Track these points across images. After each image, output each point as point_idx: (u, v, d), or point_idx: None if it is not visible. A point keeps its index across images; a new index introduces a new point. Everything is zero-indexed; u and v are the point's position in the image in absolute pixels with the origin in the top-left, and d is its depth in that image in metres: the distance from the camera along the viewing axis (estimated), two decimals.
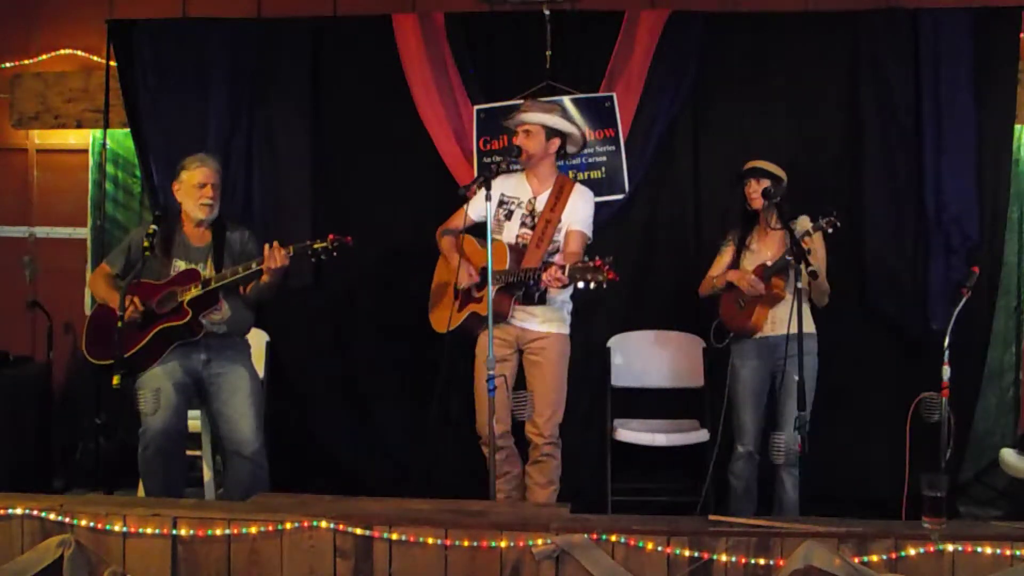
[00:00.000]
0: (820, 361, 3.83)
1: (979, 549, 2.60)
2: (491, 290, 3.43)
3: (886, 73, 4.36)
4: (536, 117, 3.80)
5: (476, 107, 4.50)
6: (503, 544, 2.70)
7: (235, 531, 2.79)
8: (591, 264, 3.23)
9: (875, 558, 2.62)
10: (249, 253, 3.77)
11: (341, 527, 2.76)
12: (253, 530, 2.79)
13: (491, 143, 4.49)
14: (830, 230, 3.57)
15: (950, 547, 2.61)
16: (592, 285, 3.22)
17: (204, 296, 3.62)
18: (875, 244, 4.37)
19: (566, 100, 4.45)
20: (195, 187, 3.72)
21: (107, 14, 4.73)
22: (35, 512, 2.85)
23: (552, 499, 3.79)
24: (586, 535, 2.68)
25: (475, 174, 4.39)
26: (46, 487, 4.56)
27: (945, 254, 4.30)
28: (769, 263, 3.79)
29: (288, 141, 4.63)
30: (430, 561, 2.73)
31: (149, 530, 2.81)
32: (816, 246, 3.79)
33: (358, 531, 2.75)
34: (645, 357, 4.51)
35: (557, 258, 3.69)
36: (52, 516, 2.84)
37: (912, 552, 2.62)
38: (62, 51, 4.93)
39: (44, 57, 4.94)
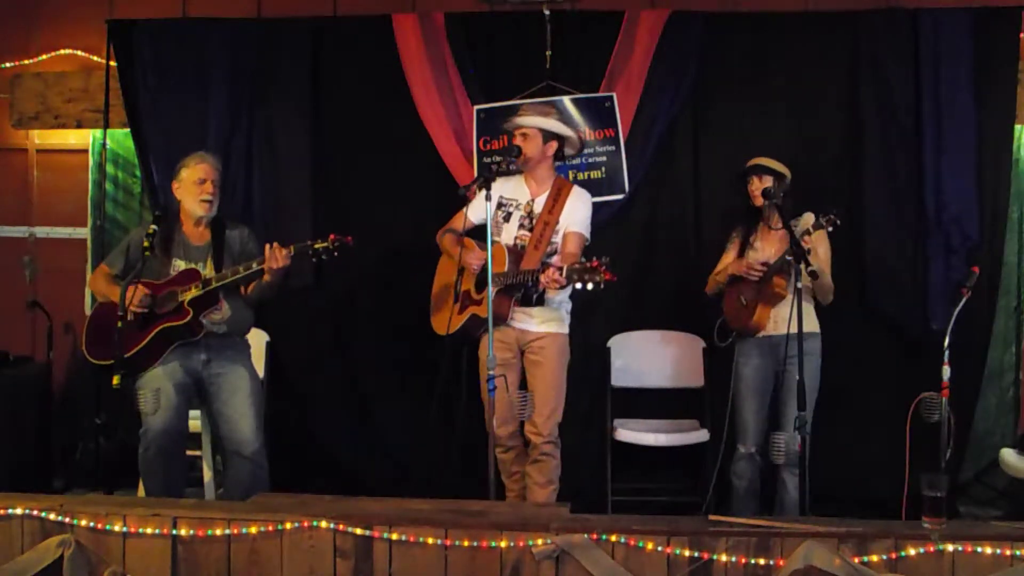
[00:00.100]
0: (822, 361, 3.83)
1: (979, 549, 2.60)
2: (491, 291, 3.44)
3: (886, 73, 4.36)
4: (533, 121, 3.82)
5: (476, 107, 4.50)
6: (503, 544, 2.70)
7: (235, 531, 2.79)
8: (588, 265, 3.23)
9: (875, 558, 2.62)
10: (249, 252, 3.77)
11: (341, 527, 2.76)
12: (253, 530, 2.79)
13: (491, 143, 4.49)
14: (830, 228, 3.57)
15: (950, 547, 2.61)
16: (590, 286, 3.23)
17: (204, 296, 3.62)
18: (875, 244, 4.37)
19: (566, 100, 4.45)
20: (195, 183, 3.72)
21: (107, 14, 4.73)
22: (35, 512, 2.85)
23: (552, 499, 3.79)
24: (586, 535, 2.68)
25: (475, 174, 4.39)
26: (46, 487, 4.56)
27: (945, 254, 4.30)
28: (770, 262, 3.80)
29: (288, 141, 4.63)
30: (430, 561, 2.73)
31: (149, 530, 2.81)
32: (819, 244, 3.79)
33: (358, 531, 2.75)
34: (645, 357, 4.51)
35: (555, 259, 3.70)
36: (52, 516, 2.84)
37: (912, 552, 2.62)
38: (62, 51, 4.93)
39: (44, 57, 4.94)
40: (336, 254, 3.57)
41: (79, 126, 4.86)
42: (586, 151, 4.37)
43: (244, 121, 4.62)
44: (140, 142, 4.66)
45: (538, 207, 3.84)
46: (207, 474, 3.96)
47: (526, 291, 3.72)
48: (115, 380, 3.31)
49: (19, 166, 5.03)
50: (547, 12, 4.47)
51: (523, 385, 3.89)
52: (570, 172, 4.42)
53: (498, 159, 4.34)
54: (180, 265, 3.71)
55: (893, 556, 2.62)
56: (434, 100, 4.52)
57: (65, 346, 4.90)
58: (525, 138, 3.81)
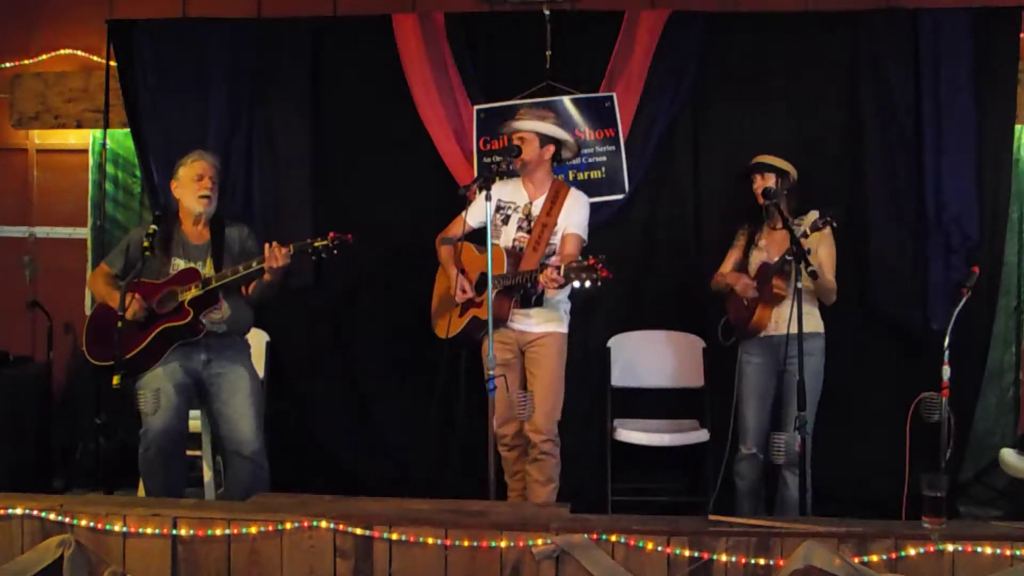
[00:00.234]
0: (825, 360, 3.83)
1: (979, 549, 2.60)
2: (491, 293, 3.45)
3: (886, 73, 4.36)
4: (530, 125, 3.83)
5: (476, 107, 4.50)
6: (503, 544, 2.70)
7: (235, 531, 2.79)
8: (585, 263, 3.26)
9: (875, 558, 2.62)
10: (248, 250, 3.77)
11: (341, 527, 2.76)
12: (253, 530, 2.79)
13: (491, 143, 4.49)
14: (826, 230, 3.58)
15: (950, 547, 2.61)
16: (587, 284, 3.26)
17: (204, 295, 3.62)
18: (875, 244, 4.37)
19: (566, 100, 4.45)
20: (193, 180, 3.72)
21: (107, 14, 4.73)
22: (35, 512, 2.85)
23: (551, 497, 3.80)
24: (586, 535, 2.68)
25: (475, 174, 4.40)
26: (46, 487, 4.56)
27: (945, 254, 4.30)
28: (771, 262, 3.80)
29: (288, 141, 4.63)
30: (430, 561, 2.73)
31: (149, 530, 2.81)
32: (821, 245, 3.79)
33: (358, 531, 2.75)
34: (645, 357, 4.50)
35: (553, 260, 3.71)
36: (52, 516, 2.84)
37: (912, 552, 2.61)
38: (62, 51, 4.93)
39: (44, 57, 4.94)
40: (336, 252, 3.57)
41: (79, 126, 4.86)
42: (586, 151, 4.38)
43: (244, 121, 4.62)
44: (140, 142, 4.66)
45: (536, 209, 3.87)
46: (207, 474, 3.96)
47: (525, 292, 3.74)
48: (115, 380, 3.32)
49: (19, 166, 5.03)
50: (547, 12, 4.47)
51: (524, 386, 3.90)
52: (570, 172, 4.43)
53: (498, 159, 4.34)
54: (180, 264, 3.71)
55: (893, 556, 2.62)
56: (434, 100, 4.52)
57: (65, 346, 4.90)
58: (522, 142, 3.83)
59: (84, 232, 4.93)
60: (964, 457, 4.37)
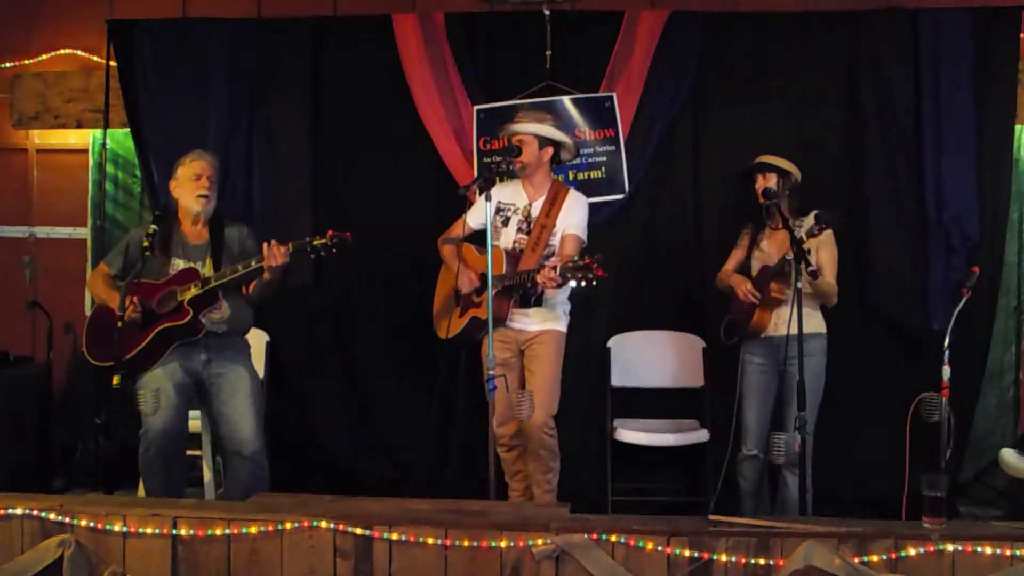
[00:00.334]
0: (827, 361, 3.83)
1: (979, 549, 2.60)
2: (491, 293, 3.46)
3: (886, 73, 4.36)
4: (529, 127, 3.84)
5: (476, 107, 4.50)
6: (503, 544, 2.70)
7: (235, 531, 2.79)
8: (581, 263, 3.29)
9: (875, 558, 2.62)
10: (248, 250, 3.77)
11: (341, 527, 2.76)
12: (253, 530, 2.79)
13: (491, 143, 4.49)
14: (821, 237, 3.58)
15: (950, 547, 2.61)
16: (583, 283, 3.29)
17: (204, 295, 3.62)
18: (875, 244, 4.37)
19: (566, 100, 4.45)
20: (191, 179, 3.72)
21: (107, 14, 4.73)
22: (35, 512, 2.85)
23: (553, 483, 3.84)
24: (586, 535, 2.68)
25: (475, 174, 4.40)
26: (46, 487, 4.56)
27: (946, 254, 4.30)
28: (771, 264, 3.80)
29: (288, 141, 4.63)
30: (430, 561, 2.73)
31: (149, 530, 2.81)
32: (822, 247, 3.78)
33: (358, 531, 2.75)
34: (645, 357, 4.50)
35: (552, 260, 3.71)
36: (52, 516, 2.84)
37: (912, 552, 2.61)
38: (62, 51, 4.93)
39: (44, 57, 4.94)
40: (335, 251, 3.57)
41: (79, 126, 4.86)
42: (586, 151, 4.38)
43: (244, 121, 4.62)
44: (140, 142, 4.66)
45: (535, 211, 3.89)
46: (207, 474, 3.95)
47: (525, 292, 3.77)
48: (115, 380, 3.32)
49: (19, 166, 5.03)
50: (547, 12, 4.47)
51: (523, 386, 3.90)
52: (570, 172, 4.43)
53: (498, 159, 4.34)
54: (179, 264, 3.71)
55: (893, 556, 2.62)
56: (434, 100, 4.52)
57: (65, 346, 4.90)
58: (522, 144, 3.84)
59: (84, 232, 4.93)
60: (964, 457, 4.37)
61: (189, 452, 3.78)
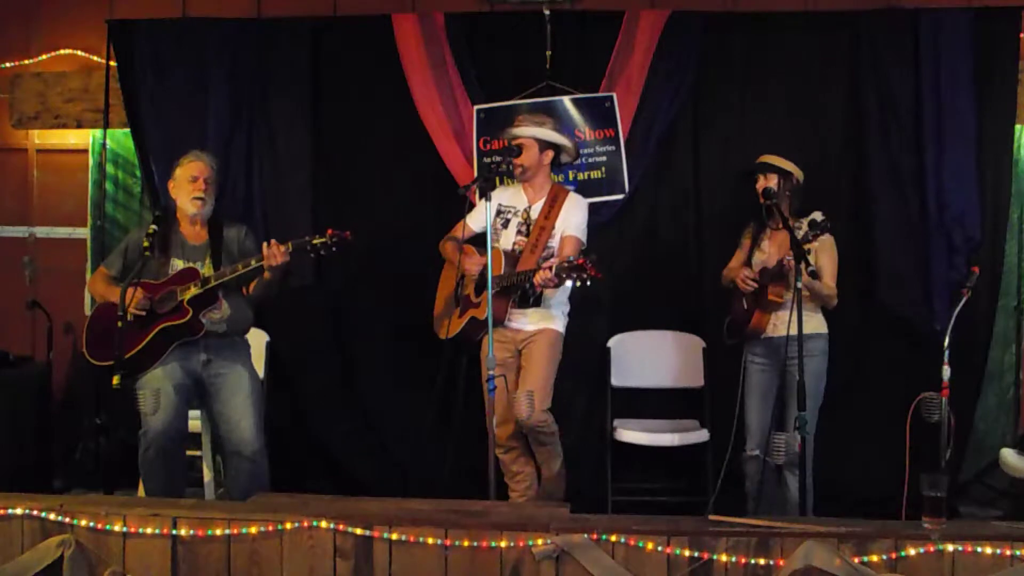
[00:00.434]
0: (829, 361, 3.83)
1: (979, 549, 2.60)
2: (491, 293, 3.47)
3: (886, 73, 4.35)
4: (528, 131, 3.86)
5: (476, 107, 4.50)
6: (503, 544, 2.70)
7: (235, 531, 2.79)
8: (575, 263, 3.34)
9: (875, 558, 2.62)
10: (247, 250, 3.77)
11: (341, 527, 2.76)
12: (253, 530, 2.79)
13: (491, 143, 4.49)
14: (819, 241, 3.58)
15: (950, 547, 2.61)
16: (579, 283, 3.33)
17: (204, 295, 3.62)
18: (876, 244, 4.36)
19: (566, 100, 4.45)
20: (188, 180, 3.73)
21: (107, 14, 4.73)
22: (35, 512, 2.85)
23: (562, 469, 3.89)
24: (586, 535, 2.68)
25: (475, 174, 4.40)
26: (46, 487, 4.55)
27: (947, 254, 4.30)
28: (770, 266, 3.80)
29: (288, 141, 4.63)
30: (430, 561, 2.73)
31: (149, 530, 2.81)
32: (822, 251, 3.78)
33: (358, 531, 2.75)
34: (645, 357, 4.50)
35: (550, 261, 3.72)
36: (52, 516, 2.84)
37: (912, 552, 2.62)
38: (62, 51, 4.93)
39: (44, 57, 4.94)
40: (335, 249, 3.57)
41: (79, 126, 4.85)
42: (586, 151, 4.38)
43: (244, 121, 4.62)
44: (140, 142, 4.66)
45: (535, 213, 3.92)
46: (207, 474, 3.96)
47: (523, 292, 3.79)
48: (115, 380, 3.31)
49: (19, 166, 5.03)
50: (547, 12, 4.47)
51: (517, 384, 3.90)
52: (570, 172, 4.43)
53: (498, 159, 4.33)
54: (178, 264, 3.71)
55: (893, 556, 2.62)
56: (434, 100, 4.52)
57: (65, 346, 4.90)
58: (522, 148, 3.85)
59: (84, 232, 4.93)
60: (964, 457, 4.37)
61: (189, 452, 3.79)
